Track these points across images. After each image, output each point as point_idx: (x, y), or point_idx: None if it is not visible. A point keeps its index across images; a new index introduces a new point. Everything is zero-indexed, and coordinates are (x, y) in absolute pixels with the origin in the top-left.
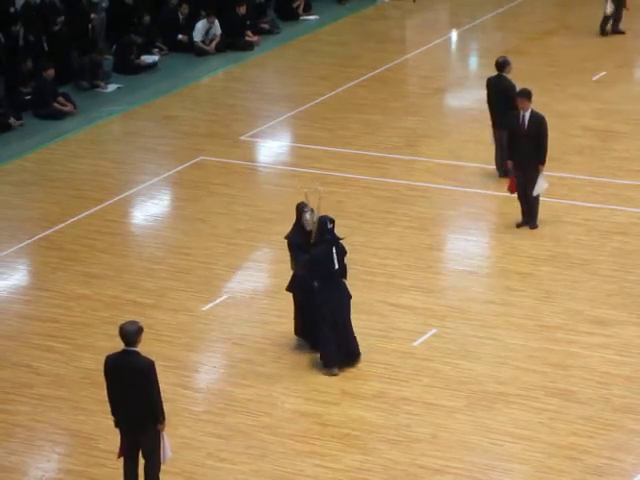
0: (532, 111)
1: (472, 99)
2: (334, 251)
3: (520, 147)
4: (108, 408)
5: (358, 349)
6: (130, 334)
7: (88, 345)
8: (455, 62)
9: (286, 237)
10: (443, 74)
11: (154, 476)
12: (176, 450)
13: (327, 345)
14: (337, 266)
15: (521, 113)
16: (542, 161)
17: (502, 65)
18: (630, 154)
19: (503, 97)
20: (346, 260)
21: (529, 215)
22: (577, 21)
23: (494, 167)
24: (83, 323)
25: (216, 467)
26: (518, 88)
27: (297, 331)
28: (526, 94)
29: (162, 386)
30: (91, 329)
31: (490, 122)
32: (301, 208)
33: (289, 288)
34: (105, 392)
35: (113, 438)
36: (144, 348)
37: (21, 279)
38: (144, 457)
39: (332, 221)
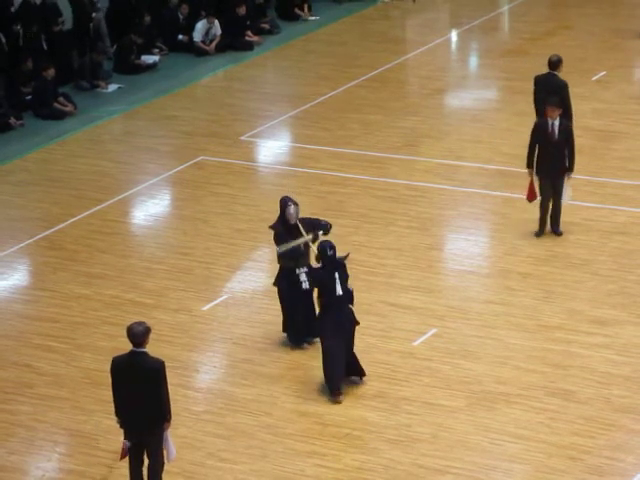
0: (560, 119)
1: (472, 99)
2: (336, 277)
3: (549, 156)
4: (109, 408)
5: (359, 371)
6: (138, 335)
7: (88, 345)
8: (455, 62)
9: (270, 226)
10: (443, 74)
11: (157, 476)
12: (177, 450)
13: (328, 373)
14: (341, 292)
15: (549, 121)
16: (572, 169)
17: (555, 63)
18: (630, 154)
19: (554, 94)
20: (350, 286)
21: (554, 221)
22: (577, 21)
23: (494, 167)
24: (83, 323)
25: (217, 467)
26: (516, 89)
27: (284, 327)
28: (557, 103)
29: None
30: (91, 329)
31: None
32: (285, 202)
33: (276, 282)
34: (107, 392)
35: (114, 438)
36: None
37: (21, 279)
38: (148, 457)
39: (332, 247)
